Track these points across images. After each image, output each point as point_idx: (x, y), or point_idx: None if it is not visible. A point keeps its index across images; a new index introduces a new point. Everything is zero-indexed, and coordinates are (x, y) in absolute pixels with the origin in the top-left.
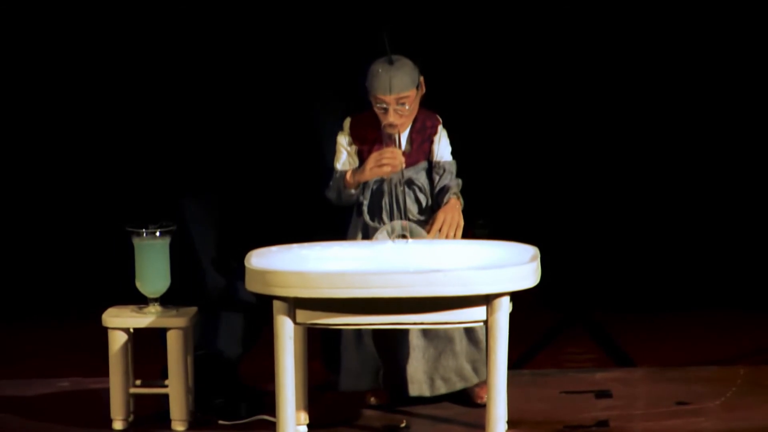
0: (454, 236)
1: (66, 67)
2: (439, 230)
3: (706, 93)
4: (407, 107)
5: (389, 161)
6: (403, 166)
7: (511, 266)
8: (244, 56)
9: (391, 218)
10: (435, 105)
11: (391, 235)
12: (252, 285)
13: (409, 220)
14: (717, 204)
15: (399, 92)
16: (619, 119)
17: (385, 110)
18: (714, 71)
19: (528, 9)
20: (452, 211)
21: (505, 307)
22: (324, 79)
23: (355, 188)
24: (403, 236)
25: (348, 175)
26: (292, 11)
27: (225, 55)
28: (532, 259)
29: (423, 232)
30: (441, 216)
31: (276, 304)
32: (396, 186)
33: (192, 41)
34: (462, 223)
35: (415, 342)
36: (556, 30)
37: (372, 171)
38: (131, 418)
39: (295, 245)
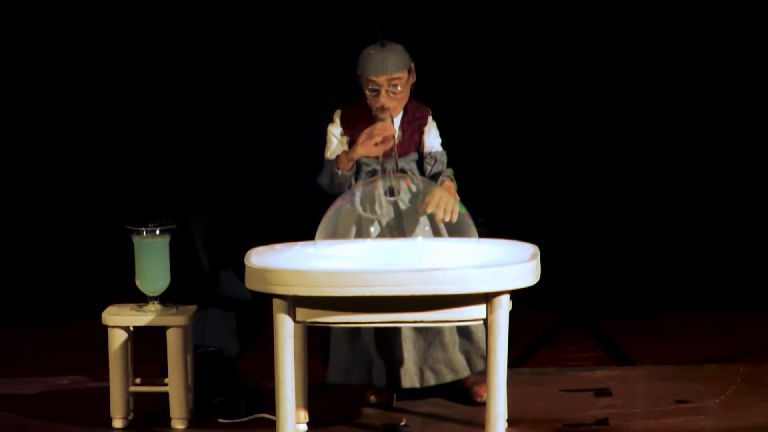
0: (451, 213)
1: (66, 67)
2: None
3: (706, 93)
4: (399, 89)
5: (380, 132)
6: (396, 141)
7: (510, 265)
8: (244, 56)
9: (383, 209)
10: (435, 104)
11: (384, 187)
12: (252, 283)
13: (401, 208)
14: (717, 204)
15: (391, 73)
16: (619, 118)
17: (377, 93)
18: (714, 71)
19: (527, 4)
20: (448, 189)
21: (504, 305)
22: (322, 77)
23: (348, 170)
24: (392, 190)
25: (341, 156)
26: (287, 13)
27: (225, 54)
28: (532, 258)
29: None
30: (438, 193)
31: (276, 302)
32: (390, 174)
33: (191, 42)
34: (458, 200)
35: (407, 334)
36: (555, 29)
37: (364, 145)
38: (131, 417)
39: (296, 243)
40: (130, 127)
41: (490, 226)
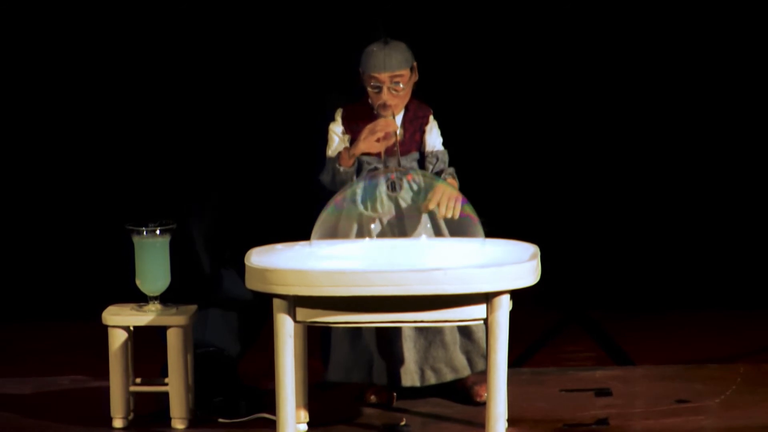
0: (453, 208)
1: (66, 67)
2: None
3: (706, 93)
4: (401, 86)
5: (383, 128)
6: (398, 138)
7: (511, 264)
8: (245, 55)
9: (384, 207)
10: (437, 104)
11: (386, 182)
12: (252, 283)
13: (401, 207)
14: (717, 204)
15: (394, 70)
16: (620, 118)
17: (379, 90)
18: (714, 71)
19: (528, 4)
20: (451, 186)
21: (505, 305)
22: (324, 76)
23: (350, 167)
24: (393, 184)
25: (343, 152)
26: (288, 12)
27: (226, 54)
28: (532, 258)
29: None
30: (440, 189)
31: (276, 302)
32: (393, 170)
33: (192, 42)
34: (460, 197)
35: (407, 333)
36: (555, 29)
37: (366, 141)
38: (131, 417)
39: (296, 243)
40: (131, 127)
41: (490, 226)
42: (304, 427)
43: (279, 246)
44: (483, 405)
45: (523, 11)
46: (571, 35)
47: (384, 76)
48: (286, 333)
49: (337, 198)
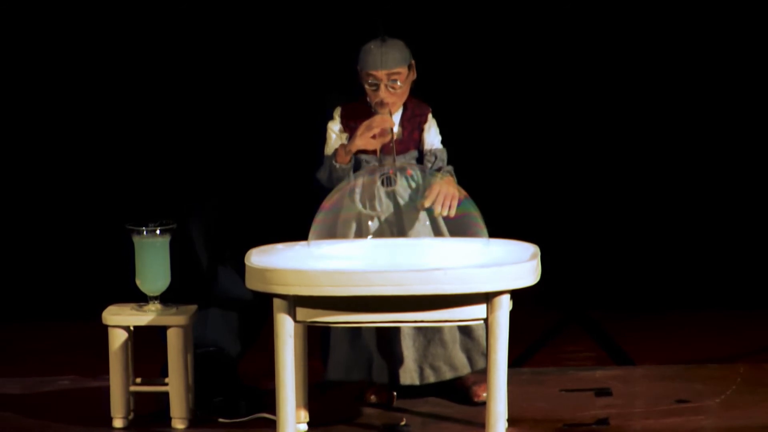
0: (450, 207)
1: (66, 67)
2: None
3: (706, 93)
4: (399, 84)
5: (379, 124)
6: (394, 135)
7: (511, 264)
8: (245, 55)
9: (383, 205)
10: (434, 102)
11: (382, 177)
12: (252, 283)
13: (400, 204)
14: (717, 204)
15: (391, 68)
16: (619, 118)
17: (377, 87)
18: (714, 71)
19: (527, 4)
20: (448, 184)
21: (505, 305)
22: (323, 76)
23: (346, 163)
24: (389, 179)
25: (339, 149)
26: (287, 12)
27: (225, 54)
28: (532, 258)
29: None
30: (436, 187)
31: (276, 302)
32: (389, 171)
33: (191, 42)
34: (457, 195)
35: (406, 331)
36: (555, 29)
37: (362, 137)
38: (131, 417)
39: (297, 243)
40: (131, 127)
41: (489, 226)
42: (304, 427)
43: (279, 246)
44: (483, 405)
45: (523, 10)
46: (570, 35)
47: (381, 74)
48: (286, 333)
49: (326, 205)
